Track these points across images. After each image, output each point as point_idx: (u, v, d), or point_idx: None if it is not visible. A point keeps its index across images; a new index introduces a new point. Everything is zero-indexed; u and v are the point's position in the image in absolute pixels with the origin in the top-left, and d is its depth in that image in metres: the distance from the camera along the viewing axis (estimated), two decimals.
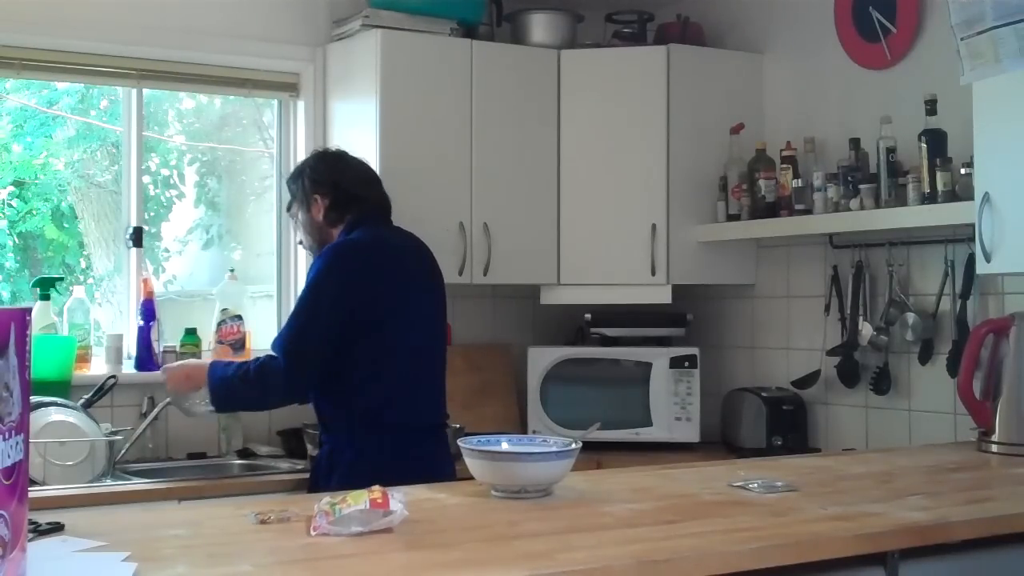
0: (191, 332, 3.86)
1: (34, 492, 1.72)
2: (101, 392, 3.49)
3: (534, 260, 4.07)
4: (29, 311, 1.41)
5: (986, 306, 3.36)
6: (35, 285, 3.68)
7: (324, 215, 3.14)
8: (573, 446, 2.04)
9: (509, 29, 4.25)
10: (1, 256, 4.01)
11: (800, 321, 4.01)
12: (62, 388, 3.47)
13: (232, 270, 4.06)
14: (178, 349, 3.83)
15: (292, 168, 3.45)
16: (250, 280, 4.23)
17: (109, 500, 3.07)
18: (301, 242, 3.29)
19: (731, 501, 2.06)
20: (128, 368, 3.78)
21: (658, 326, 4.20)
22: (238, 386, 2.94)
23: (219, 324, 3.92)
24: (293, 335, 2.93)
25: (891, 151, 3.49)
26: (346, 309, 2.92)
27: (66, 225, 4.13)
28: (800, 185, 3.78)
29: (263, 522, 1.81)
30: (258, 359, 2.97)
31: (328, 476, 2.91)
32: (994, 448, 2.84)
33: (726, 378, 4.24)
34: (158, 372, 3.36)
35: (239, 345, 3.92)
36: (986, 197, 2.94)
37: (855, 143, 3.65)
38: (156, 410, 3.63)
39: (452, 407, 3.18)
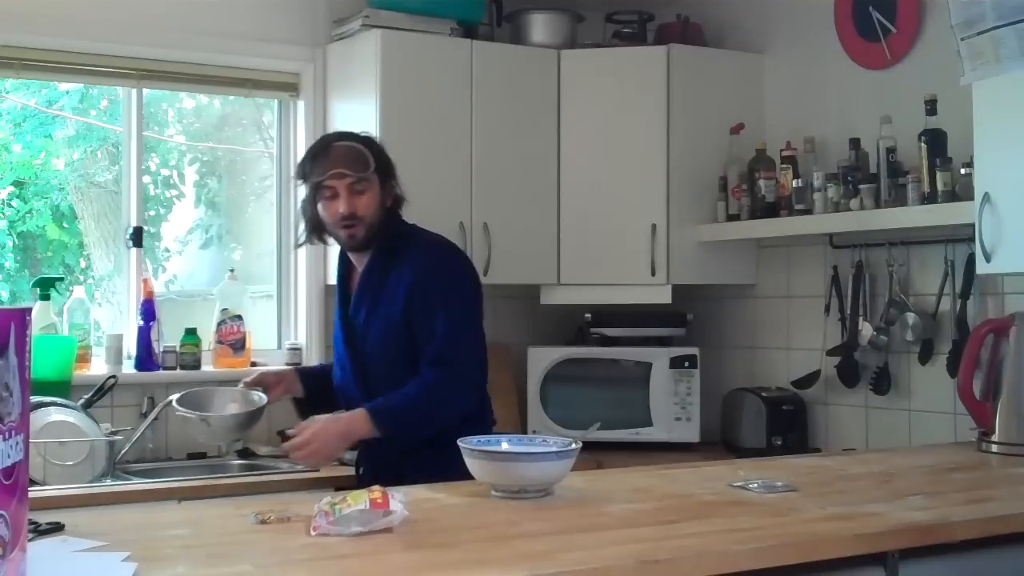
0: (191, 332, 3.86)
1: (34, 492, 1.72)
2: (101, 392, 3.49)
3: (534, 260, 4.07)
4: (29, 311, 1.41)
5: (986, 306, 3.36)
6: (35, 285, 3.68)
7: (393, 203, 2.90)
8: (573, 446, 2.04)
9: (509, 29, 4.25)
10: (1, 256, 4.01)
11: (800, 321, 4.01)
12: (62, 388, 3.47)
13: (232, 270, 4.06)
14: (178, 349, 3.83)
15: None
16: (250, 280, 4.23)
17: (109, 500, 3.07)
18: (352, 215, 2.79)
19: (731, 501, 2.06)
20: (128, 368, 3.78)
21: (658, 326, 4.20)
22: (411, 412, 2.71)
23: (219, 324, 3.92)
24: (460, 336, 2.77)
25: (891, 151, 3.49)
26: (480, 309, 2.90)
27: (66, 225, 4.13)
28: (800, 185, 3.78)
29: (263, 522, 1.81)
30: (412, 384, 2.72)
31: (399, 467, 2.72)
32: (994, 448, 2.84)
33: (726, 378, 4.24)
34: (293, 450, 2.81)
35: (239, 345, 3.92)
36: (986, 197, 2.94)
37: (855, 143, 3.65)
38: (156, 410, 3.63)
39: None
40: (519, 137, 4.01)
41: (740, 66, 4.19)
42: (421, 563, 1.62)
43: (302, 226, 2.95)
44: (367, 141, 2.90)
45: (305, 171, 2.89)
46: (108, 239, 4.11)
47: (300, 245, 3.12)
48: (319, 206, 2.84)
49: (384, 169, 2.87)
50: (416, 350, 2.76)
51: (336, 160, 2.81)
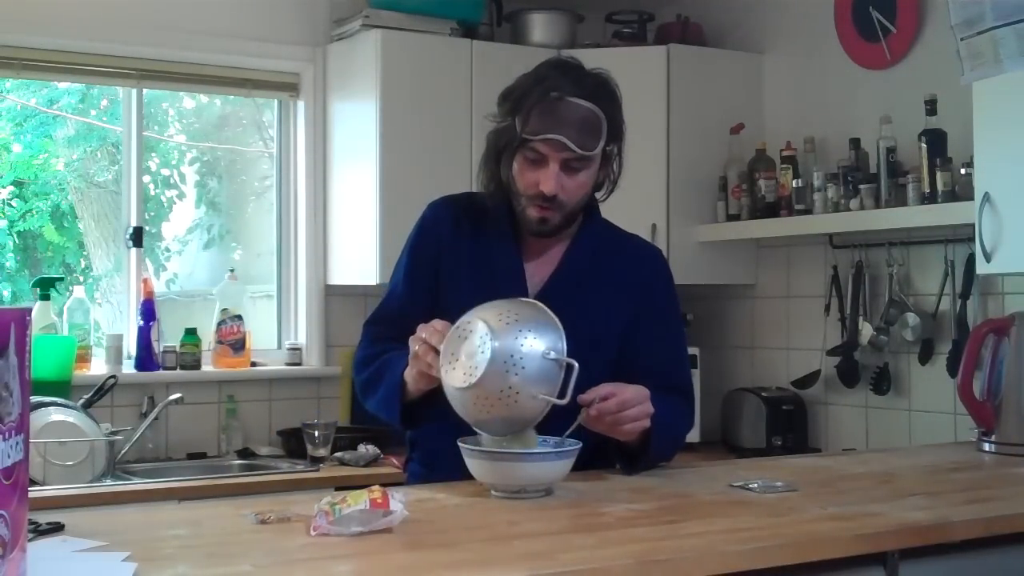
0: (191, 332, 3.86)
1: (34, 492, 1.72)
2: (101, 392, 3.49)
3: None
4: (29, 311, 1.41)
5: (986, 306, 3.36)
6: (35, 285, 3.68)
7: (605, 186, 2.28)
8: (573, 446, 2.04)
9: (509, 29, 4.25)
10: (1, 256, 4.02)
11: (800, 321, 4.01)
12: (62, 388, 3.47)
13: (232, 270, 4.07)
14: (178, 349, 3.83)
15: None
16: (250, 280, 4.23)
17: (109, 500, 3.08)
18: (553, 198, 2.15)
19: (731, 501, 2.06)
20: (128, 368, 3.78)
21: None
22: (676, 435, 2.32)
23: (219, 324, 3.92)
24: (688, 365, 2.42)
25: (891, 151, 3.49)
26: None
27: (66, 225, 4.13)
28: (800, 185, 3.79)
29: (263, 522, 1.81)
30: (674, 400, 2.25)
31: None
32: (994, 448, 2.83)
33: (726, 378, 4.24)
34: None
35: (239, 345, 3.93)
36: (986, 197, 2.94)
37: (855, 143, 3.65)
38: (156, 410, 3.64)
39: None
40: None
41: (740, 66, 4.19)
42: (421, 563, 1.61)
43: (482, 175, 2.32)
44: (608, 101, 2.18)
45: (513, 109, 2.20)
46: (108, 239, 4.11)
47: (489, 196, 2.29)
48: (514, 163, 2.20)
49: (612, 140, 2.20)
50: (618, 365, 2.21)
51: (562, 123, 2.12)
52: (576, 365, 1.92)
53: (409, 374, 2.11)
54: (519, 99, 2.18)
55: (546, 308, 1.99)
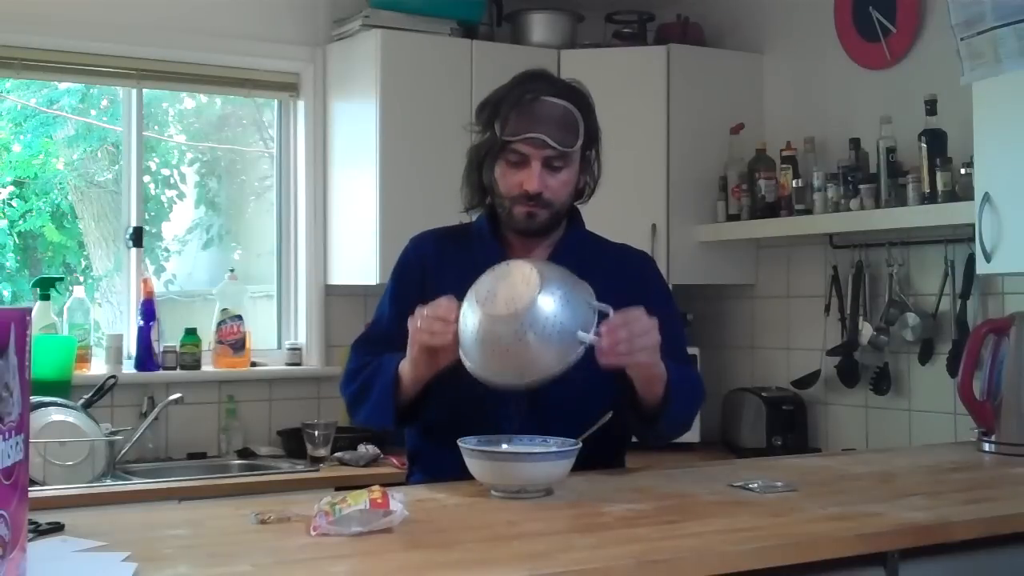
0: (191, 332, 3.86)
1: (34, 492, 1.72)
2: (101, 392, 3.49)
3: None
4: (29, 311, 1.41)
5: (986, 306, 3.36)
6: (35, 285, 3.68)
7: (586, 192, 2.32)
8: (573, 446, 2.04)
9: (509, 29, 4.25)
10: (1, 256, 4.02)
11: (800, 321, 4.01)
12: (62, 388, 3.47)
13: (232, 270, 4.07)
14: (178, 349, 3.83)
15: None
16: (250, 280, 4.23)
17: (109, 500, 3.08)
18: (538, 196, 2.18)
19: (731, 501, 2.06)
20: (128, 368, 3.78)
21: None
22: (696, 396, 2.34)
23: (219, 324, 3.92)
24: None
25: (891, 151, 3.49)
26: None
27: (66, 225, 4.13)
28: (800, 185, 3.79)
29: (263, 522, 1.81)
30: (682, 366, 2.25)
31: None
32: (994, 448, 2.83)
33: (726, 378, 4.24)
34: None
35: (239, 345, 3.92)
36: (986, 197, 2.94)
37: (855, 143, 3.65)
38: (156, 410, 3.64)
39: None
40: None
41: (740, 66, 4.19)
42: (421, 563, 1.61)
43: (464, 189, 2.31)
44: (582, 102, 2.25)
45: (491, 117, 2.22)
46: (108, 239, 4.11)
47: (468, 209, 2.34)
48: (496, 169, 2.21)
49: (589, 142, 2.25)
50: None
51: (541, 121, 2.16)
52: (611, 311, 1.97)
53: (407, 360, 2.11)
54: (496, 105, 2.22)
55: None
